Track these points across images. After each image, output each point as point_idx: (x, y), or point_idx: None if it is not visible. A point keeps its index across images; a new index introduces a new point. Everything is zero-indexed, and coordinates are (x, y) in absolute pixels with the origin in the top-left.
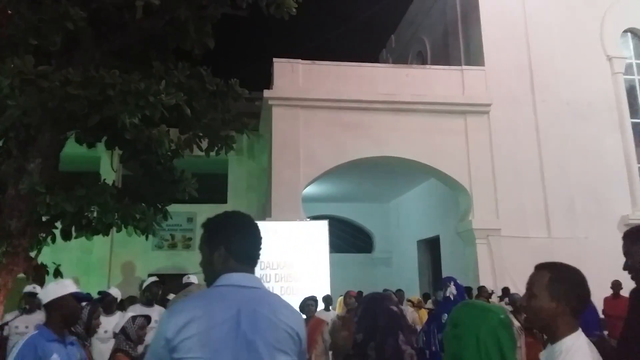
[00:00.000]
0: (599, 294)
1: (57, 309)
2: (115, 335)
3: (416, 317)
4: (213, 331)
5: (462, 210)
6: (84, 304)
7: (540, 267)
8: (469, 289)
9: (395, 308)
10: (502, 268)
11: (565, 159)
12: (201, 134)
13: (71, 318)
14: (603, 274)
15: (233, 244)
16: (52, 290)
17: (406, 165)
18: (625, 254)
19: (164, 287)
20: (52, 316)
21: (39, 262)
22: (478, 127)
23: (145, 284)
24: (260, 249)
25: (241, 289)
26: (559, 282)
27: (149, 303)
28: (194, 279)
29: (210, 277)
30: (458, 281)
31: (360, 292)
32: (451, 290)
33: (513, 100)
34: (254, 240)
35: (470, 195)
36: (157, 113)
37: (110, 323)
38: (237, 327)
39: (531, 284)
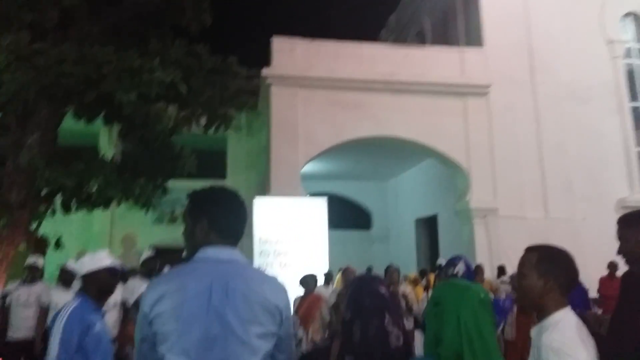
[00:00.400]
0: (595, 275)
1: (92, 282)
2: (124, 306)
3: (413, 297)
4: (185, 305)
5: (460, 189)
6: None
7: (529, 249)
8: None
9: (383, 290)
10: (499, 247)
11: (563, 140)
12: (199, 112)
13: (105, 291)
14: (599, 255)
15: (216, 218)
16: (87, 263)
17: (405, 145)
18: (620, 238)
19: (163, 260)
20: (88, 288)
21: (40, 234)
22: (477, 109)
23: (142, 259)
24: (243, 224)
25: (217, 262)
26: (547, 262)
27: (147, 276)
28: None
29: (191, 248)
30: (468, 260)
31: (369, 269)
32: (460, 268)
33: (512, 82)
34: (237, 215)
35: (468, 175)
36: (152, 91)
37: (67, 296)
38: (208, 300)
39: (521, 265)
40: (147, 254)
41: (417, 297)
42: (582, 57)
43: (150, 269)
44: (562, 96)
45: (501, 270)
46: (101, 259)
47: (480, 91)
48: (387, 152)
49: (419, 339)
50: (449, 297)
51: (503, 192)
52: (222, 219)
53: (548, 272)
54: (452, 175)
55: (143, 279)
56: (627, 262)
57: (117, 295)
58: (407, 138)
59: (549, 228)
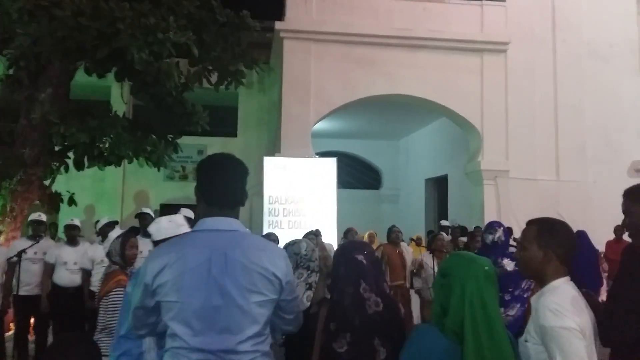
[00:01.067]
0: (603, 238)
1: None
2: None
3: (413, 257)
4: (185, 276)
5: (472, 150)
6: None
7: (530, 223)
8: (463, 228)
9: (360, 257)
10: (508, 209)
11: (580, 101)
12: (210, 68)
13: None
14: (609, 219)
15: (203, 187)
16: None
17: (418, 103)
18: (625, 212)
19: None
20: None
21: (53, 190)
22: (494, 66)
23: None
24: (234, 190)
25: (216, 232)
26: (546, 234)
27: (146, 234)
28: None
29: (196, 219)
30: (504, 226)
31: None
32: (499, 235)
33: (532, 39)
34: (225, 183)
35: (481, 135)
36: (165, 50)
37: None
38: (208, 271)
39: (523, 238)
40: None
41: (416, 256)
42: (606, 12)
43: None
44: (583, 55)
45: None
46: (180, 225)
47: (498, 48)
48: (400, 111)
49: (415, 301)
50: (455, 268)
51: (515, 153)
52: (208, 187)
53: (547, 243)
54: (464, 135)
55: (144, 238)
56: (631, 235)
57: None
58: (421, 96)
59: (560, 191)
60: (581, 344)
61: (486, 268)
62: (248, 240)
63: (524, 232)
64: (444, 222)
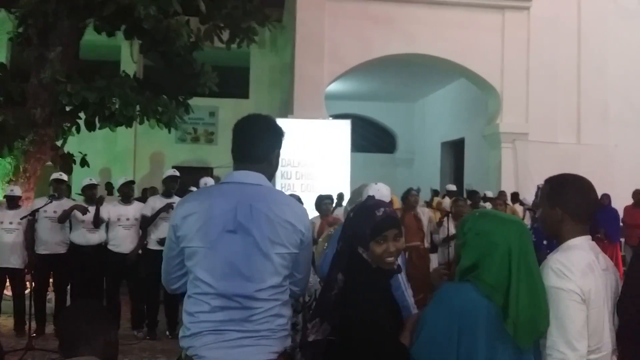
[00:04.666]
0: (623, 203)
1: None
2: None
3: (432, 216)
4: (211, 223)
5: (491, 112)
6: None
7: (546, 181)
8: (474, 192)
9: (380, 212)
10: (526, 173)
11: (604, 61)
12: (222, 25)
13: None
14: (630, 183)
15: (234, 144)
16: (384, 193)
17: (436, 63)
18: None
19: (185, 179)
20: None
21: (66, 151)
22: (516, 24)
23: (163, 177)
24: (261, 147)
25: (242, 185)
26: (557, 191)
27: (167, 194)
28: (209, 181)
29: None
30: None
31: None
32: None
33: None
34: (250, 139)
35: (501, 97)
36: (172, 7)
37: (129, 211)
38: (233, 220)
39: (539, 196)
40: (168, 172)
41: (435, 219)
42: None
43: (169, 187)
44: (609, 12)
45: (515, 197)
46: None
47: (521, 5)
48: (417, 72)
49: (434, 262)
50: (493, 227)
51: (535, 115)
52: (237, 144)
53: (558, 201)
54: (483, 97)
55: (163, 197)
56: None
57: (138, 212)
58: (439, 56)
59: (580, 154)
60: (578, 308)
61: (523, 226)
62: (273, 195)
63: (540, 190)
64: (450, 187)
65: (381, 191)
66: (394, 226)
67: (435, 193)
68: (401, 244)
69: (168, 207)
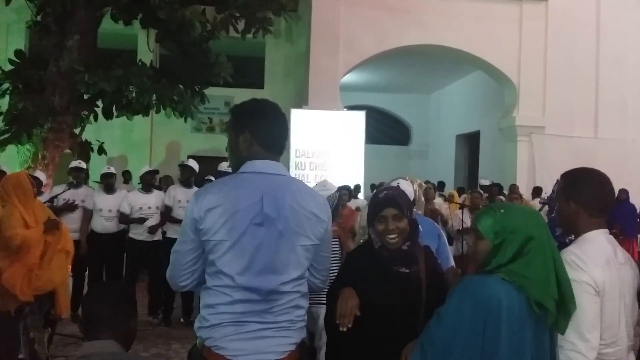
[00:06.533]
0: None
1: None
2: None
3: (448, 210)
4: (237, 216)
5: (507, 105)
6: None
7: (562, 175)
8: (499, 186)
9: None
10: (542, 167)
11: (623, 54)
12: (237, 14)
13: None
14: None
15: (258, 129)
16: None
17: (452, 54)
18: None
19: (201, 168)
20: None
21: (83, 139)
22: (534, 15)
23: (181, 164)
24: (285, 137)
25: (265, 175)
26: (572, 185)
27: (186, 185)
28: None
29: (235, 161)
30: None
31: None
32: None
33: None
34: (280, 127)
35: (517, 89)
36: None
37: (150, 200)
38: (260, 212)
39: (555, 191)
40: (188, 161)
41: (451, 212)
42: None
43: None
44: (628, 2)
45: (537, 192)
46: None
47: None
48: (432, 63)
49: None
50: (525, 221)
51: (552, 108)
52: (265, 131)
53: (572, 195)
54: (499, 89)
55: (182, 187)
56: None
57: (159, 201)
58: (456, 47)
59: (597, 149)
60: (591, 299)
61: (542, 218)
62: (296, 185)
63: (556, 186)
64: (483, 181)
65: (407, 189)
66: (391, 206)
67: (440, 185)
68: (403, 225)
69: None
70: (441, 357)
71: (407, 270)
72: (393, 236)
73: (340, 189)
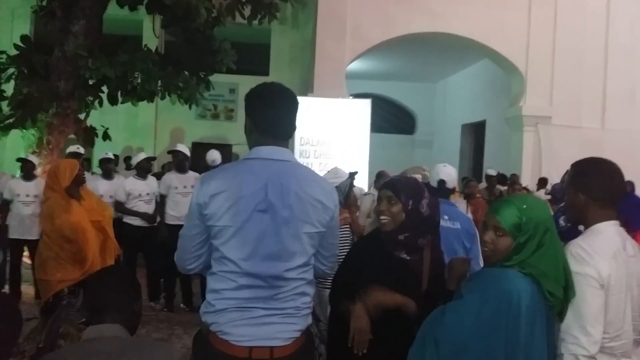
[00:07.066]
0: None
1: None
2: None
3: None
4: (241, 202)
5: (514, 94)
6: None
7: (571, 166)
8: (504, 176)
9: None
10: (548, 158)
11: (633, 43)
12: (243, 0)
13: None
14: None
15: (256, 114)
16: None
17: (459, 42)
18: None
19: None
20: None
21: (88, 124)
22: (542, 4)
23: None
24: (285, 123)
25: (270, 161)
26: (580, 176)
27: (179, 169)
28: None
29: (249, 147)
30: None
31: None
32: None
33: None
34: (280, 113)
35: (525, 78)
36: None
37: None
38: (264, 199)
39: (565, 182)
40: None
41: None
42: None
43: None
44: None
45: (542, 182)
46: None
47: None
48: (439, 51)
49: None
50: (545, 213)
51: (559, 98)
52: (261, 115)
53: (582, 186)
54: (506, 78)
55: (178, 173)
56: None
57: (155, 187)
58: (463, 35)
59: (604, 139)
60: (594, 293)
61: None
62: (301, 171)
63: (566, 175)
64: (490, 172)
65: (450, 174)
66: (387, 188)
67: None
68: (396, 209)
69: None
70: (460, 352)
71: (408, 257)
72: (383, 217)
73: (352, 174)
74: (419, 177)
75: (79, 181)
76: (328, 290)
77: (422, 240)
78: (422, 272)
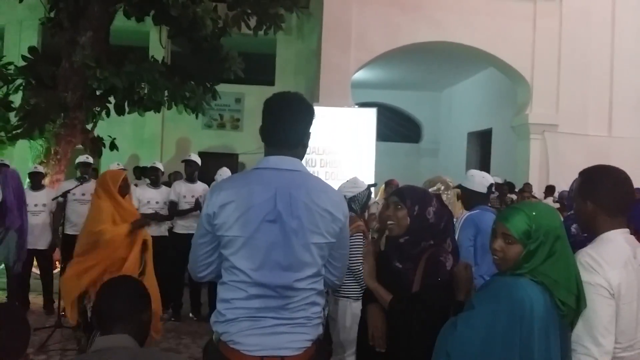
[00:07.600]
0: None
1: None
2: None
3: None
4: (250, 212)
5: (520, 102)
6: None
7: (579, 174)
8: (511, 185)
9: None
10: (555, 166)
11: (638, 52)
12: (249, 11)
13: None
14: None
15: (262, 125)
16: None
17: (465, 52)
18: None
19: (212, 164)
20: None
21: (96, 135)
22: (548, 12)
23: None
24: (294, 132)
25: (279, 171)
26: (588, 184)
27: (189, 179)
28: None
29: (265, 156)
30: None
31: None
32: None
33: None
34: (284, 122)
35: (530, 87)
36: None
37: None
38: (273, 209)
39: (573, 190)
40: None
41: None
42: None
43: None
44: None
45: (550, 190)
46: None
47: None
48: (444, 60)
49: None
50: (555, 221)
51: (566, 106)
52: (268, 127)
53: (589, 194)
54: (512, 87)
55: (187, 182)
56: None
57: (165, 196)
58: (468, 44)
59: (611, 147)
60: (605, 302)
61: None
62: (311, 181)
63: (574, 184)
64: (496, 179)
65: (486, 177)
66: (395, 194)
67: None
68: (401, 214)
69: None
70: None
71: (400, 266)
72: (389, 222)
73: (369, 186)
74: (440, 186)
75: (123, 190)
76: (344, 300)
77: (424, 243)
78: (413, 281)
